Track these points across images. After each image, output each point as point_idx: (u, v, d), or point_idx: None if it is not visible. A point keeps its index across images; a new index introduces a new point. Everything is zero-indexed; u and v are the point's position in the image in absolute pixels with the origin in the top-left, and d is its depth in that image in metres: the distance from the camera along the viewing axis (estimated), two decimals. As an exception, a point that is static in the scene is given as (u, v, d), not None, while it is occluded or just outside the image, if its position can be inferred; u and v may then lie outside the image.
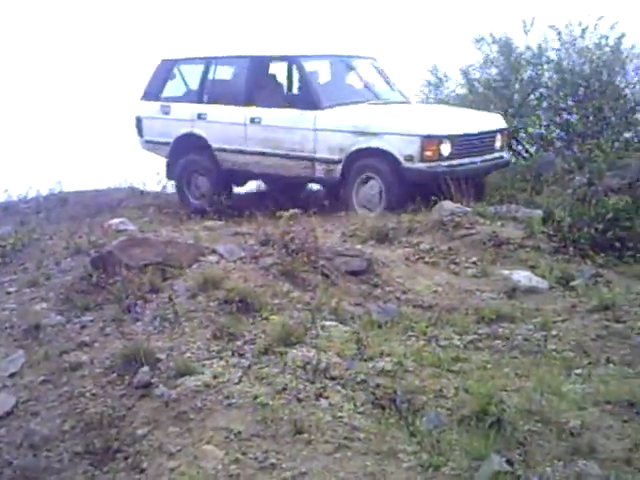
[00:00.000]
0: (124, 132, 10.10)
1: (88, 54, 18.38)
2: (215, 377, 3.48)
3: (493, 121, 8.16)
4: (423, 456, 2.87)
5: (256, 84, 8.42)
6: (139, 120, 9.26)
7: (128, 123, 9.35)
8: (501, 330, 4.15)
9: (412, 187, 7.15)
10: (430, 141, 7.14)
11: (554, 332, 4.06)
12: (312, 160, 7.83)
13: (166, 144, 8.93)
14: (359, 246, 5.55)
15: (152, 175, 9.68)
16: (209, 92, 8.83)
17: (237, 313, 4.15)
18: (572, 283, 4.96)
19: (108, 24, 19.87)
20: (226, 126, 8.38)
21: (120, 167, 10.50)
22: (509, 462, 2.74)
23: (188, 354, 3.78)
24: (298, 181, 8.51)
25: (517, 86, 10.67)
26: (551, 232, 5.90)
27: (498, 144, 7.91)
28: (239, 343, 3.84)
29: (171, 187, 9.38)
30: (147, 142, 9.26)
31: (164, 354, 3.80)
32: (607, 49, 10.65)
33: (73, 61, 18.15)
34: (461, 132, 7.43)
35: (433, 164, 7.13)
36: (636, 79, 11.08)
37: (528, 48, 10.97)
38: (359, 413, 3.17)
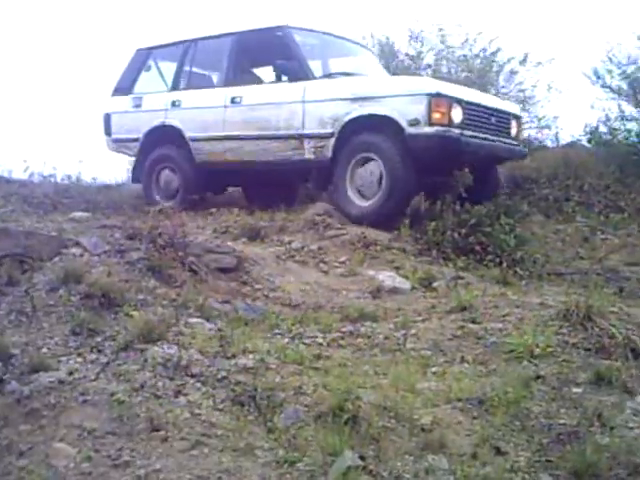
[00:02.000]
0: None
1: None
2: (71, 373, 3.36)
3: (508, 104, 7.54)
4: (279, 452, 2.89)
5: (239, 62, 7.81)
6: (107, 117, 8.52)
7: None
8: (363, 328, 4.24)
9: (419, 166, 6.26)
10: (439, 100, 6.19)
11: (413, 331, 4.18)
12: (300, 138, 6.97)
13: (135, 140, 8.23)
14: (230, 243, 5.54)
15: (19, 162, 9.22)
16: (186, 78, 8.20)
17: (99, 308, 4.03)
18: (434, 284, 5.16)
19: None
20: (203, 111, 7.68)
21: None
22: (362, 457, 2.81)
23: (44, 350, 3.64)
24: (282, 169, 7.36)
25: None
26: (417, 235, 6.10)
27: (514, 131, 7.16)
28: (99, 339, 3.73)
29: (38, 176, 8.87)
30: (115, 141, 8.51)
31: (19, 349, 3.65)
32: (480, 60, 11.17)
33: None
34: (474, 100, 6.63)
35: (442, 129, 6.18)
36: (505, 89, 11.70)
37: (407, 55, 11.35)
38: (218, 410, 3.15)
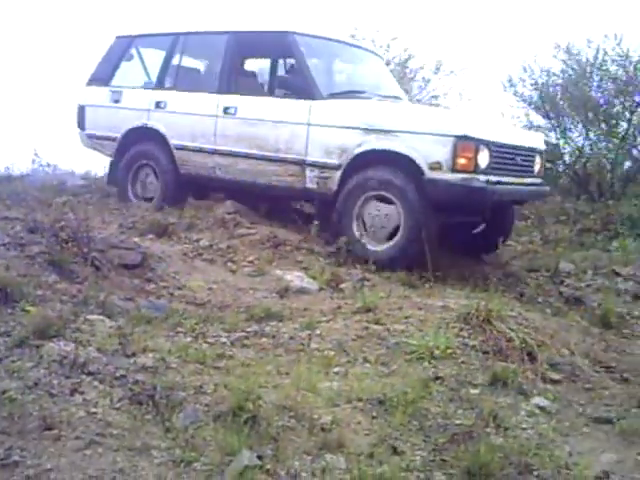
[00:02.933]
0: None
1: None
2: (-39, 371, 3.23)
3: (533, 138, 6.68)
4: (176, 452, 2.84)
5: (235, 67, 6.97)
6: (81, 109, 7.75)
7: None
8: (269, 328, 4.23)
9: (438, 211, 5.61)
10: (466, 145, 5.48)
11: (318, 331, 4.20)
12: (302, 164, 6.19)
13: (112, 139, 7.44)
14: (136, 239, 5.44)
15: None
16: (173, 76, 7.32)
17: (-5, 303, 3.90)
18: (341, 286, 5.19)
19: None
20: (191, 118, 6.85)
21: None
22: (260, 457, 2.80)
23: None
24: (278, 194, 6.68)
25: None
26: (327, 237, 6.13)
27: (537, 168, 6.49)
28: (-7, 335, 3.61)
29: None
30: (89, 137, 7.74)
31: None
32: (393, 66, 11.38)
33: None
34: (503, 141, 5.90)
35: (467, 176, 5.50)
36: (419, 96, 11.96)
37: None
38: (115, 409, 3.08)
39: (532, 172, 6.36)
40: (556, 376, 3.94)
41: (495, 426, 3.30)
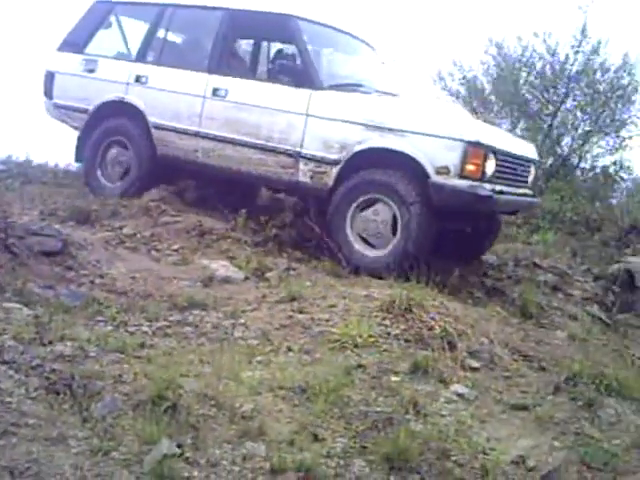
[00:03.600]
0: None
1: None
2: None
3: (529, 148, 6.52)
4: (94, 441, 2.79)
5: (227, 47, 6.53)
6: (50, 76, 7.08)
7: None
8: (192, 317, 4.19)
9: (438, 217, 5.40)
10: (476, 151, 5.29)
11: (242, 320, 4.19)
12: (296, 157, 5.83)
13: (83, 112, 6.84)
14: (57, 226, 5.30)
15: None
16: (157, 50, 6.82)
17: None
18: (267, 275, 5.17)
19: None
20: (175, 96, 6.38)
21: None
22: (179, 445, 2.78)
23: None
24: (265, 185, 6.48)
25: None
26: (254, 226, 6.10)
27: (531, 178, 6.35)
28: None
29: None
30: (56, 107, 7.09)
31: None
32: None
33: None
34: (508, 149, 5.76)
35: (474, 183, 5.30)
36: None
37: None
38: (31, 399, 3.00)
39: (527, 182, 6.28)
40: (475, 364, 4.02)
41: (415, 413, 3.36)
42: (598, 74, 11.23)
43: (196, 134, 6.30)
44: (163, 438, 2.77)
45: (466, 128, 5.48)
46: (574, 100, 11.29)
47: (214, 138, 6.22)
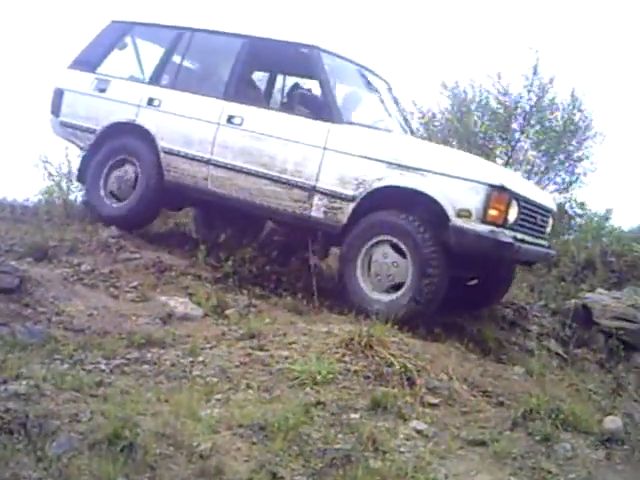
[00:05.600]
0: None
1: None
2: None
3: (548, 197, 6.36)
4: (48, 482, 2.75)
5: (245, 74, 6.43)
6: (59, 93, 6.91)
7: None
8: (150, 355, 4.15)
9: (457, 265, 5.25)
10: (500, 195, 5.12)
11: (201, 358, 4.16)
12: (310, 190, 5.67)
13: (91, 132, 6.68)
14: (13, 262, 5.22)
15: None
16: (172, 73, 6.67)
17: None
18: (226, 312, 5.16)
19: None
20: (188, 122, 6.23)
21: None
22: (136, 486, 2.74)
23: None
24: (277, 219, 6.24)
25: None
26: (214, 263, 6.09)
27: (548, 229, 6.13)
28: None
29: None
30: (64, 125, 6.90)
31: None
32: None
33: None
34: (530, 197, 5.60)
35: (496, 229, 5.12)
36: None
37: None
38: (-17, 439, 2.95)
39: (545, 233, 6.06)
40: (434, 400, 4.04)
41: (374, 450, 3.36)
42: (550, 113, 11.52)
43: (207, 161, 6.15)
44: (119, 478, 2.74)
45: (490, 171, 5.40)
46: (528, 138, 11.56)
47: (226, 167, 6.07)
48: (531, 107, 11.39)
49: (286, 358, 4.20)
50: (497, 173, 5.46)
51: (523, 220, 5.44)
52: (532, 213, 5.62)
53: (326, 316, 5.31)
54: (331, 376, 3.96)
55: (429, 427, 3.73)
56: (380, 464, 3.24)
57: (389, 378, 4.09)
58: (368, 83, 6.70)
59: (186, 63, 6.85)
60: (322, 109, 5.79)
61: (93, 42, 7.01)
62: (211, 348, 4.37)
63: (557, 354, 5.87)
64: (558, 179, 11.88)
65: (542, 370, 5.05)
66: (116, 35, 6.97)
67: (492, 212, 5.09)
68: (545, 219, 5.96)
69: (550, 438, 3.74)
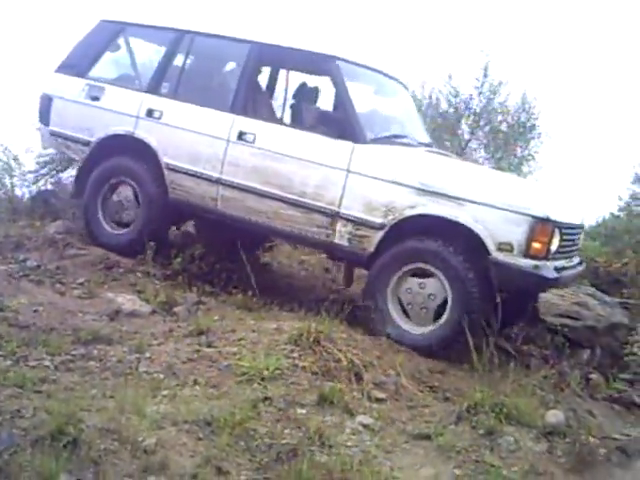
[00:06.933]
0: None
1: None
2: None
3: (577, 211, 5.71)
4: (-12, 480, 2.71)
5: (255, 85, 5.93)
6: (48, 100, 6.32)
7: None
8: (96, 352, 4.11)
9: (499, 298, 4.70)
10: (545, 228, 4.75)
11: (148, 354, 4.13)
12: (333, 216, 5.25)
13: (84, 144, 6.17)
14: (-44, 259, 5.13)
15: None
16: (173, 81, 6.10)
17: None
18: (175, 309, 5.13)
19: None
20: (194, 137, 5.73)
21: None
22: (78, 481, 2.72)
23: None
24: (296, 243, 5.86)
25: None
26: (164, 260, 6.04)
27: (580, 244, 5.77)
28: None
29: None
30: (54, 134, 6.35)
31: None
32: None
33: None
34: (571, 221, 5.24)
35: (539, 263, 4.75)
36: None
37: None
38: None
39: (578, 250, 5.71)
40: (381, 395, 4.09)
41: (320, 444, 3.39)
42: (499, 116, 11.74)
43: (217, 181, 5.69)
44: (62, 474, 2.72)
45: (533, 201, 4.91)
46: (476, 139, 11.75)
47: (237, 187, 5.62)
48: (481, 109, 11.57)
49: (234, 354, 4.20)
50: (540, 202, 4.94)
51: (563, 246, 5.10)
52: (571, 236, 5.30)
53: (276, 313, 5.31)
54: (279, 372, 3.97)
55: (375, 422, 3.77)
56: (326, 458, 3.26)
57: (337, 374, 4.11)
58: (392, 92, 6.35)
59: (187, 70, 6.25)
60: (344, 126, 5.33)
61: (82, 43, 6.46)
62: (159, 345, 4.35)
63: (504, 350, 5.96)
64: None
65: (488, 366, 5.13)
66: (107, 36, 6.41)
67: (535, 245, 4.74)
68: (579, 236, 5.65)
69: (494, 432, 3.81)
